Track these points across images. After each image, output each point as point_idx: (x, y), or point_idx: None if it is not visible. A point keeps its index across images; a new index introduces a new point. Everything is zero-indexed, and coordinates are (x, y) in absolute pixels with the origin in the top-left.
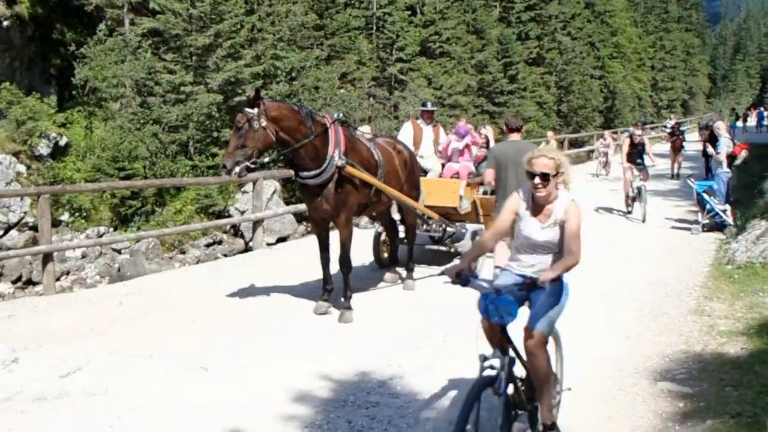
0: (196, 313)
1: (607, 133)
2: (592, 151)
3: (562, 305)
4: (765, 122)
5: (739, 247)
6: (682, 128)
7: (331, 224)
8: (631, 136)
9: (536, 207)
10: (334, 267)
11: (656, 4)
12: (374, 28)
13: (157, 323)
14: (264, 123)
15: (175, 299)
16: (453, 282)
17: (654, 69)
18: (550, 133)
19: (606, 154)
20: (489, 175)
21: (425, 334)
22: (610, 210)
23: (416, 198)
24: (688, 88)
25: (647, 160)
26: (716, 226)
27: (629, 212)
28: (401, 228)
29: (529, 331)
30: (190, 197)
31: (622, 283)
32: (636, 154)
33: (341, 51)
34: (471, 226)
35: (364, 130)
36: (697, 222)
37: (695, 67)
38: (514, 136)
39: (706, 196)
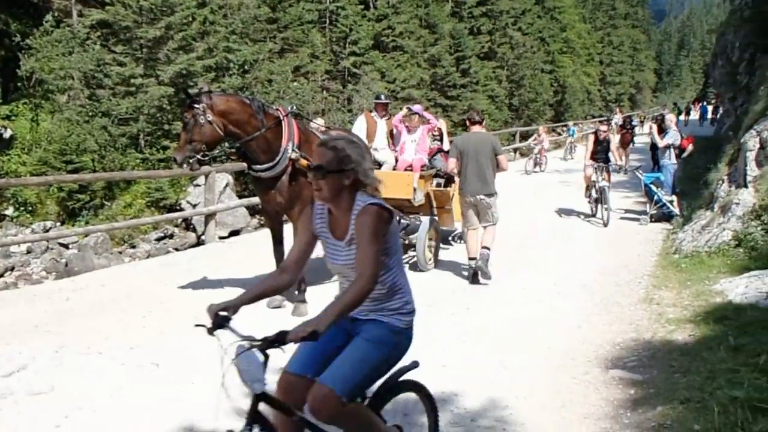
0: (147, 308)
1: (541, 128)
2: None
3: (377, 362)
4: (709, 116)
5: (685, 236)
6: (633, 122)
7: (285, 217)
8: (596, 133)
9: (334, 221)
10: None
11: (604, 1)
12: (327, 21)
13: (105, 319)
14: (210, 117)
15: (124, 294)
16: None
17: (602, 64)
18: (571, 123)
19: (541, 150)
20: (452, 163)
21: None
22: (569, 212)
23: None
24: (635, 83)
25: (612, 159)
26: (664, 216)
27: (593, 215)
28: None
29: (317, 384)
30: (141, 191)
31: (573, 274)
32: (601, 152)
33: (294, 44)
34: (428, 218)
35: (318, 123)
36: (645, 213)
37: (642, 62)
38: (476, 128)
39: (653, 188)
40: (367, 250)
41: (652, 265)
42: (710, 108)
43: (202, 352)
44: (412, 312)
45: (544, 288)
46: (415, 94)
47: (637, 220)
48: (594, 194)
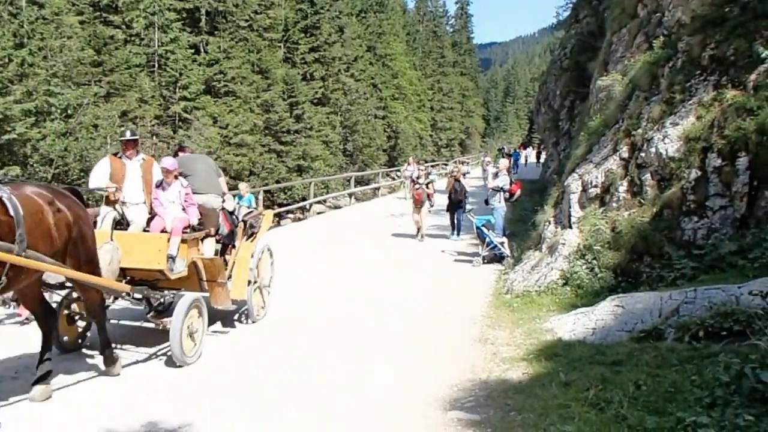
0: None
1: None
2: (377, 188)
3: None
4: (521, 162)
5: (516, 277)
6: (431, 176)
7: None
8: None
9: None
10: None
11: (433, 50)
12: (156, 65)
13: None
14: None
15: None
16: None
17: (433, 110)
18: (242, 185)
19: None
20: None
21: None
22: (402, 252)
23: (93, 273)
24: (465, 128)
25: None
26: (495, 257)
27: None
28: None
29: None
30: None
31: (409, 316)
32: None
33: (121, 88)
34: (190, 295)
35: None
36: (478, 254)
37: (471, 109)
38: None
39: (485, 230)
40: None
41: (486, 306)
42: (527, 153)
43: None
44: None
45: (383, 332)
46: (249, 140)
47: (470, 261)
48: None
